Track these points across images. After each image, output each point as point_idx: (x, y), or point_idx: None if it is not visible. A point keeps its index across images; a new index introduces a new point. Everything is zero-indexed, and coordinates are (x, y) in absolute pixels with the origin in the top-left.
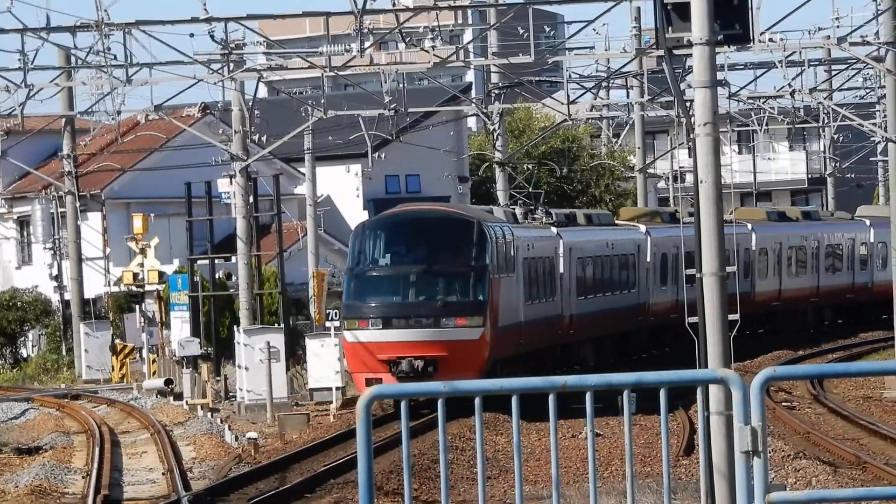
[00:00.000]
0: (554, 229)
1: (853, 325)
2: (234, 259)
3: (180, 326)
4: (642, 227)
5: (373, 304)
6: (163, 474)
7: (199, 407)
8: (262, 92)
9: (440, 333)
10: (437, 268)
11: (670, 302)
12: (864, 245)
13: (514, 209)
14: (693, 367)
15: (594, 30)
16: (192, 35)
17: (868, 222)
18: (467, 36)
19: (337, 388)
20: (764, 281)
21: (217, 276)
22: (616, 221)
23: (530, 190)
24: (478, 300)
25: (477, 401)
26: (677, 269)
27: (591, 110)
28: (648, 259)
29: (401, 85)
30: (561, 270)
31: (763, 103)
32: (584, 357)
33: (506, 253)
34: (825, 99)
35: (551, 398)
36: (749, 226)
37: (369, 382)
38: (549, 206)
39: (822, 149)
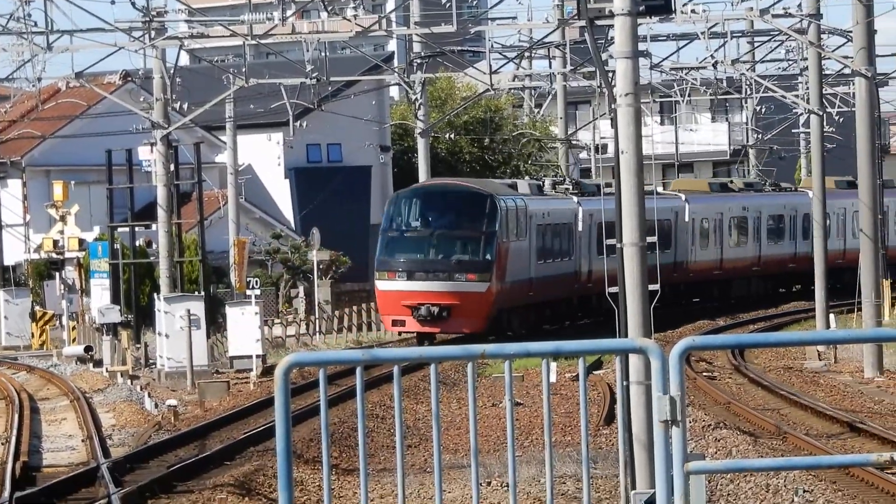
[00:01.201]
0: (575, 199)
1: (793, 294)
2: (154, 227)
3: (100, 294)
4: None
5: (400, 260)
6: (82, 441)
7: (118, 374)
8: (184, 60)
9: (453, 286)
10: (454, 232)
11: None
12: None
13: (539, 182)
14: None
15: (517, 0)
16: (113, 2)
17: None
18: (389, 5)
19: (257, 356)
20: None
21: (137, 244)
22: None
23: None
24: (486, 260)
25: (395, 369)
26: None
27: (514, 80)
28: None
29: (323, 54)
30: (580, 232)
31: (685, 74)
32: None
33: (517, 221)
34: (748, 70)
35: (469, 366)
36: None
37: (395, 323)
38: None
39: (744, 120)
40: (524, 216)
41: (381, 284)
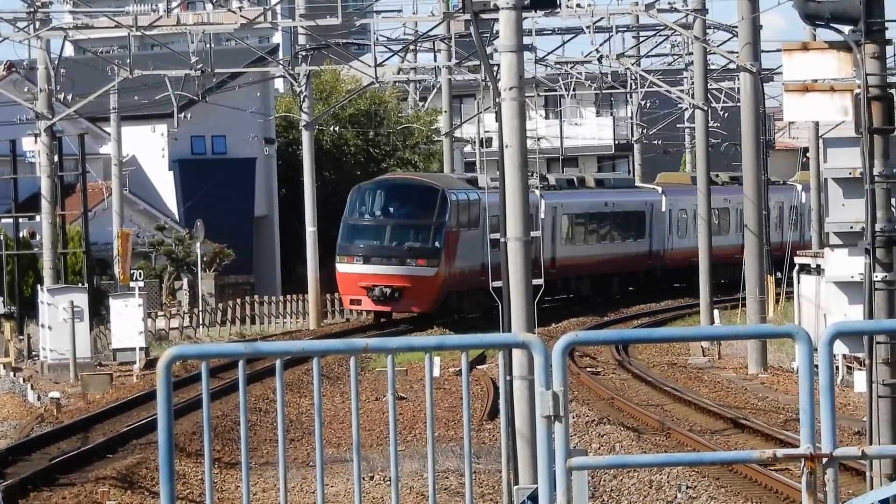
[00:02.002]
0: (538, 192)
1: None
2: (38, 218)
3: None
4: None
5: (358, 245)
6: None
7: (1, 366)
8: (69, 50)
9: (404, 270)
10: (407, 222)
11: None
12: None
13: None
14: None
15: None
16: None
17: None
18: None
19: (140, 349)
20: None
21: (21, 235)
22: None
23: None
24: (434, 247)
25: (278, 362)
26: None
27: (399, 73)
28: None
29: (207, 45)
30: (542, 222)
31: (570, 68)
32: (570, 292)
33: (468, 212)
34: (633, 65)
35: (352, 360)
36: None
37: (352, 302)
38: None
39: (629, 115)
40: (478, 208)
41: (341, 267)
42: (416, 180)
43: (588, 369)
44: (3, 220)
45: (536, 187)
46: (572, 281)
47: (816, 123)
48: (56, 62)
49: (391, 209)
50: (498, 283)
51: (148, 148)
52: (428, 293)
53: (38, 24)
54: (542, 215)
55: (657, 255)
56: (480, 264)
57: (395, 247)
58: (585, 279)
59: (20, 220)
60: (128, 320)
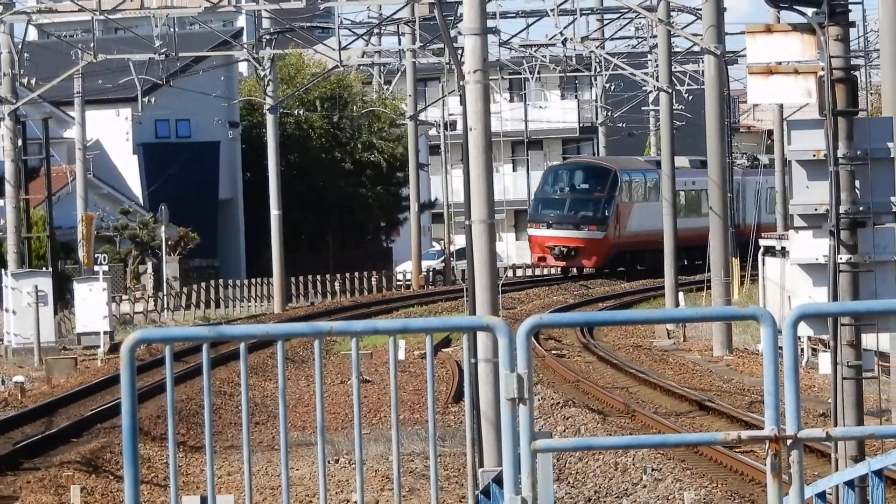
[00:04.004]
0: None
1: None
2: (1, 202)
3: None
4: None
5: (545, 214)
6: None
7: None
8: (32, 34)
9: (579, 234)
10: (582, 196)
11: None
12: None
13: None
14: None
15: None
16: None
17: None
18: None
19: (104, 333)
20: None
21: None
22: None
23: None
24: (604, 216)
25: (242, 346)
26: None
27: (363, 57)
28: None
29: (172, 29)
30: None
31: (535, 51)
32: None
33: (643, 188)
34: (597, 48)
35: (316, 343)
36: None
37: (539, 259)
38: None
39: (593, 98)
40: (653, 185)
41: (532, 231)
42: (593, 163)
43: (553, 352)
44: None
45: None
46: None
47: (781, 106)
48: (20, 46)
49: (573, 185)
50: (462, 263)
51: (112, 132)
52: (598, 252)
53: (1, 7)
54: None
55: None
56: (656, 230)
57: (573, 215)
58: None
59: None
60: (92, 304)
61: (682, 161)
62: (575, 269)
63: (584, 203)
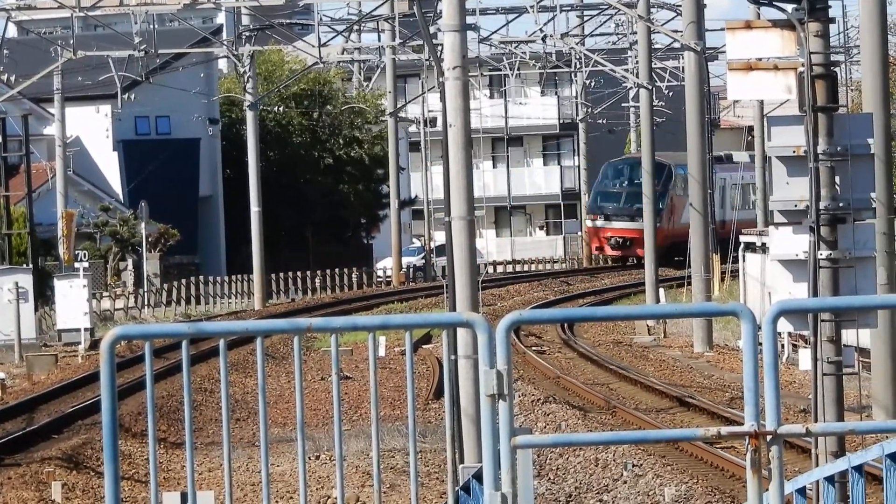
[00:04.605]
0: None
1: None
2: None
3: None
4: None
5: (602, 206)
6: None
7: None
8: (12, 31)
9: (634, 225)
10: (636, 189)
11: None
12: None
13: (746, 154)
14: None
15: None
16: None
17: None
18: None
19: (85, 329)
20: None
21: None
22: None
23: None
24: (658, 208)
25: (221, 342)
26: None
27: (343, 53)
28: None
29: (151, 26)
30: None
31: (514, 48)
32: None
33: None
34: (577, 44)
35: (296, 340)
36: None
37: (597, 249)
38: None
39: (573, 94)
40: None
41: (589, 223)
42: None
43: (534, 348)
44: None
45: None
46: None
47: (761, 102)
48: None
49: (629, 179)
50: (442, 260)
51: (92, 129)
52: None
53: None
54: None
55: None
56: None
57: (629, 208)
58: None
59: None
60: (72, 301)
61: (741, 156)
62: (632, 259)
63: (640, 196)
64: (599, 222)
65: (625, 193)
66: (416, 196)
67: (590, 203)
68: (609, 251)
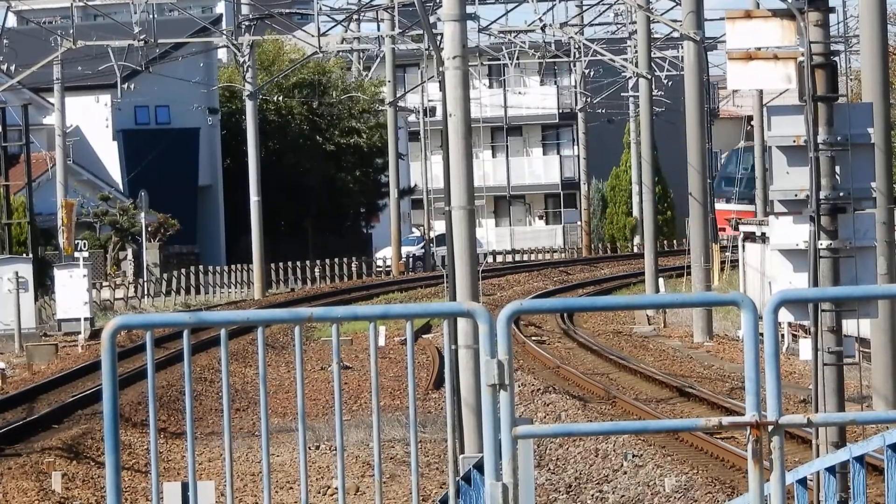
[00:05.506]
0: None
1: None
2: None
3: None
4: None
5: (725, 190)
6: None
7: None
8: (11, 21)
9: (751, 207)
10: (754, 174)
11: None
12: None
13: None
14: None
15: None
16: None
17: None
18: None
19: (85, 319)
20: None
21: None
22: None
23: None
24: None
25: (222, 332)
26: None
27: (342, 43)
28: None
29: (151, 15)
30: None
31: (514, 37)
32: None
33: None
34: (576, 34)
35: (296, 329)
36: None
37: (720, 230)
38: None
39: (573, 84)
40: None
41: (717, 205)
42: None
43: (534, 338)
44: None
45: None
46: None
47: (760, 91)
48: None
49: (751, 164)
50: (442, 250)
51: (92, 118)
52: None
53: None
54: None
55: None
56: None
57: (747, 191)
58: None
59: None
60: (73, 291)
61: None
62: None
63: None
64: (722, 205)
65: (745, 178)
66: (416, 185)
67: (714, 187)
68: (730, 231)
